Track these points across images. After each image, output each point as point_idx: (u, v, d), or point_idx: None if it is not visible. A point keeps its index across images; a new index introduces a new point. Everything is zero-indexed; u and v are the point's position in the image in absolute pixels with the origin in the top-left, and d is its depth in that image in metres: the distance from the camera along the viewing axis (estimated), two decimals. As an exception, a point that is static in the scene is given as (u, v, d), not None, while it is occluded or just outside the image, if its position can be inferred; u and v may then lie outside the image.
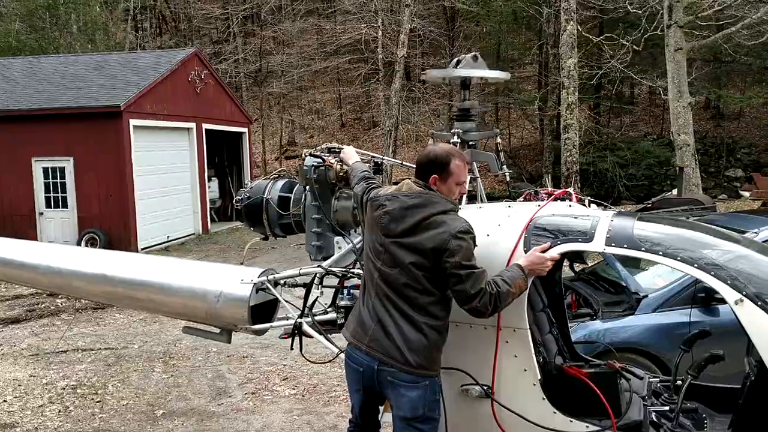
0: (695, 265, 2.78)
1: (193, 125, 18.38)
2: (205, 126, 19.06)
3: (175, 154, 17.81)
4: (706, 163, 22.95)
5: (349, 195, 3.74)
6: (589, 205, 3.62)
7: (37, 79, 17.78)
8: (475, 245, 2.89)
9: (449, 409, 3.10)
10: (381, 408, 3.30)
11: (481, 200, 4.07)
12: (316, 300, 3.75)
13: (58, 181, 15.70)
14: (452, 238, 2.82)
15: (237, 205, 4.24)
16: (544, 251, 2.95)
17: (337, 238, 3.83)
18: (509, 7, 25.87)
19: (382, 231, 3.00)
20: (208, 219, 19.28)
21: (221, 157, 21.61)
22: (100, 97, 15.90)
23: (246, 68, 32.46)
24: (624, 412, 3.03)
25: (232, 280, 3.95)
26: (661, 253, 2.85)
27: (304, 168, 3.81)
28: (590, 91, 25.20)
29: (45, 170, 15.71)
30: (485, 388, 3.06)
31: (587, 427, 2.96)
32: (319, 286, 3.70)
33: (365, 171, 3.49)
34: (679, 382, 3.18)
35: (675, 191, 15.01)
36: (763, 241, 4.90)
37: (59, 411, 6.10)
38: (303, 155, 3.89)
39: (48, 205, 15.83)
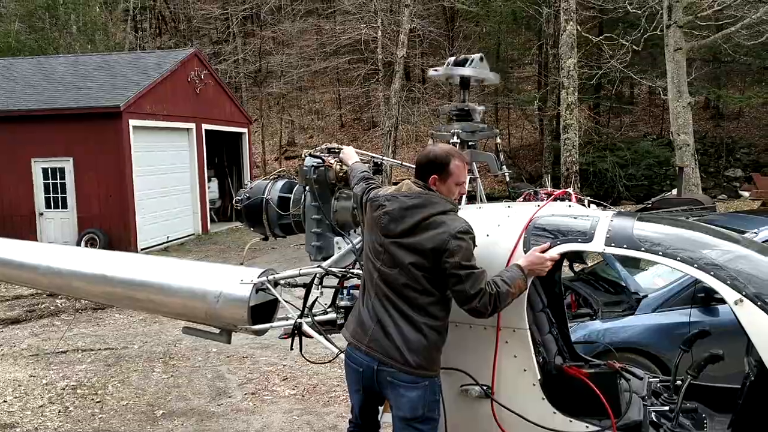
0: (695, 265, 2.78)
1: (192, 125, 18.38)
2: (205, 126, 19.06)
3: (174, 155, 17.81)
4: (705, 163, 22.96)
5: (349, 195, 3.74)
6: (589, 205, 3.62)
7: (36, 80, 17.78)
8: (474, 245, 2.89)
9: (449, 409, 3.10)
10: (381, 408, 3.30)
11: (481, 200, 4.07)
12: (315, 300, 3.75)
13: (58, 181, 15.70)
14: (452, 238, 2.82)
15: (237, 206, 4.24)
16: (543, 251, 2.95)
17: (336, 239, 3.83)
18: (509, 7, 25.87)
19: (381, 231, 3.00)
20: (208, 219, 19.29)
21: (221, 157, 21.61)
22: (100, 98, 15.90)
23: (245, 68, 32.47)
24: (624, 412, 3.03)
25: (231, 280, 3.95)
26: (660, 253, 2.85)
27: (304, 168, 3.81)
28: (590, 91, 25.21)
29: (45, 171, 15.71)
30: (485, 388, 3.06)
31: (587, 427, 2.96)
32: (319, 286, 3.70)
33: (365, 171, 3.49)
34: (678, 382, 3.18)
35: (675, 191, 15.01)
36: (763, 241, 4.91)
37: (59, 411, 6.10)
38: (303, 155, 3.89)
39: (48, 206, 15.83)
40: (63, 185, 15.68)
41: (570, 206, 3.37)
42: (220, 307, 3.92)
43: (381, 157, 4.02)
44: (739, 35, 16.40)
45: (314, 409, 5.88)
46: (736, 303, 2.66)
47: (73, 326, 9.23)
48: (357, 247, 3.67)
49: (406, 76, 26.36)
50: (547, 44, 25.22)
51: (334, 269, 3.68)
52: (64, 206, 15.74)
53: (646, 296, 5.27)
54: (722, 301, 3.03)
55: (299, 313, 3.74)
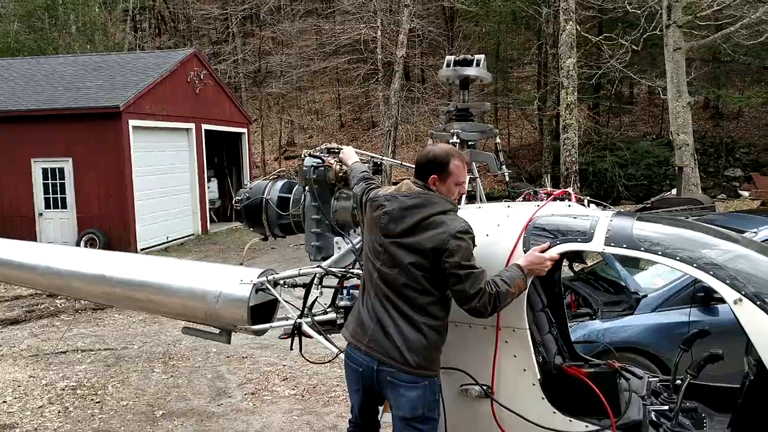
0: (694, 265, 2.78)
1: (192, 126, 18.38)
2: (205, 126, 19.06)
3: (174, 155, 17.81)
4: (705, 163, 22.97)
5: (349, 195, 3.74)
6: (588, 205, 3.62)
7: (36, 80, 17.78)
8: (474, 245, 2.89)
9: (449, 409, 3.10)
10: (380, 408, 3.30)
11: (481, 200, 4.07)
12: (315, 300, 3.75)
13: (58, 181, 15.70)
14: (451, 238, 2.82)
15: (236, 206, 4.24)
16: (543, 251, 2.96)
17: (336, 239, 3.83)
18: (508, 7, 25.88)
19: (381, 231, 3.00)
20: (208, 219, 19.29)
21: (220, 157, 21.61)
22: (100, 98, 15.90)
23: (245, 68, 32.47)
24: (623, 412, 3.03)
25: (231, 280, 3.95)
26: (660, 252, 2.85)
27: (304, 168, 3.80)
28: (589, 91, 25.22)
29: (44, 171, 15.71)
30: (485, 387, 3.06)
31: (587, 426, 2.96)
32: (319, 286, 3.70)
33: (364, 171, 3.49)
34: (678, 382, 3.18)
35: (674, 191, 15.01)
36: (762, 241, 4.91)
37: (59, 412, 6.10)
38: (302, 156, 3.89)
39: (47, 206, 15.83)
40: (63, 185, 15.68)
41: (569, 206, 3.37)
42: (220, 307, 3.92)
43: (381, 157, 4.02)
44: (739, 35, 16.41)
45: (314, 409, 5.88)
46: (735, 302, 2.66)
47: (72, 327, 9.23)
48: (357, 247, 3.67)
49: (405, 76, 26.37)
50: (546, 44, 25.23)
51: (333, 269, 3.68)
52: (64, 206, 15.74)
53: (645, 296, 5.28)
54: (722, 300, 3.03)
55: (299, 313, 3.74)
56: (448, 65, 3.86)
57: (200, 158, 18.86)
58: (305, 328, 3.67)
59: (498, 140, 4.12)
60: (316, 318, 3.68)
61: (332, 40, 28.77)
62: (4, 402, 6.37)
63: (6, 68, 19.03)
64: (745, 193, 21.89)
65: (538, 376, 3.01)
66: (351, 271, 3.63)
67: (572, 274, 6.27)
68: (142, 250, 15.45)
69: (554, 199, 3.44)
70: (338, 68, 30.81)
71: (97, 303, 8.96)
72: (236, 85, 32.38)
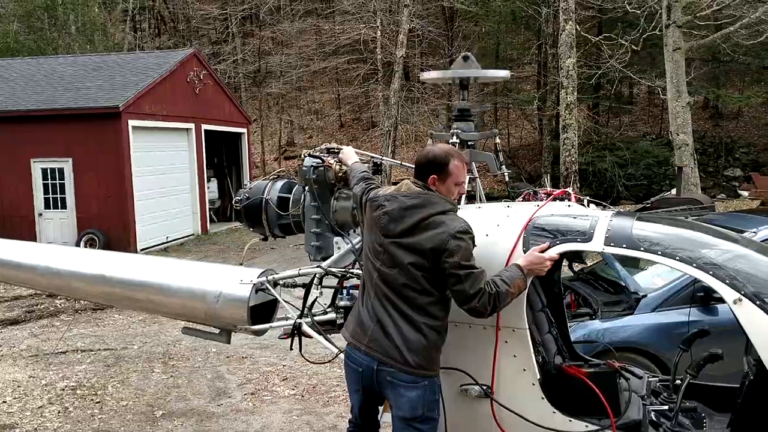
0: (694, 265, 2.78)
1: (192, 126, 18.38)
2: (204, 126, 19.06)
3: (174, 155, 17.81)
4: (704, 163, 22.98)
5: (348, 195, 3.74)
6: (588, 205, 3.63)
7: (35, 80, 17.77)
8: (474, 245, 2.90)
9: (449, 409, 3.10)
10: (380, 408, 3.30)
11: (480, 200, 4.07)
12: (315, 300, 3.75)
13: (57, 182, 15.70)
14: (451, 238, 2.82)
15: (236, 206, 4.24)
16: (543, 251, 2.96)
17: (336, 239, 3.83)
18: (508, 7, 25.88)
19: (381, 231, 3.00)
20: (207, 219, 19.29)
21: (220, 157, 21.61)
22: (99, 98, 15.90)
23: (245, 69, 32.48)
24: (623, 412, 3.03)
25: (231, 280, 3.95)
26: (659, 252, 2.85)
27: (303, 168, 3.80)
28: (589, 91, 25.22)
29: (44, 171, 15.71)
30: (484, 387, 3.06)
31: (586, 426, 2.96)
32: (319, 286, 3.70)
33: (364, 171, 3.49)
34: (678, 382, 3.18)
35: (674, 191, 15.02)
36: (762, 241, 4.91)
37: (59, 412, 6.10)
38: (302, 156, 3.88)
39: (47, 206, 15.83)
40: (62, 186, 15.68)
41: (569, 206, 3.37)
42: (220, 307, 3.92)
43: (380, 157, 4.02)
44: (738, 35, 16.41)
45: (314, 409, 5.88)
46: (735, 302, 2.66)
47: (72, 327, 9.23)
48: (356, 247, 3.67)
49: (405, 76, 26.36)
50: (546, 44, 25.23)
51: (333, 269, 3.68)
52: (64, 207, 15.74)
53: (645, 296, 5.28)
54: (721, 300, 3.03)
55: (299, 313, 3.74)
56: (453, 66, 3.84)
57: (200, 158, 18.86)
58: (305, 328, 3.67)
59: (498, 140, 4.11)
60: (315, 318, 3.68)
61: (332, 40, 28.77)
62: (4, 402, 6.37)
63: (6, 68, 19.03)
64: (745, 193, 21.90)
65: (538, 376, 3.01)
66: (351, 271, 3.63)
67: (572, 274, 6.27)
68: (141, 250, 15.45)
69: (554, 199, 3.44)
70: (338, 68, 30.82)
71: (96, 303, 8.96)
72: (236, 85, 32.38)
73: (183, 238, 17.72)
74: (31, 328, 9.32)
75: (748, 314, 2.64)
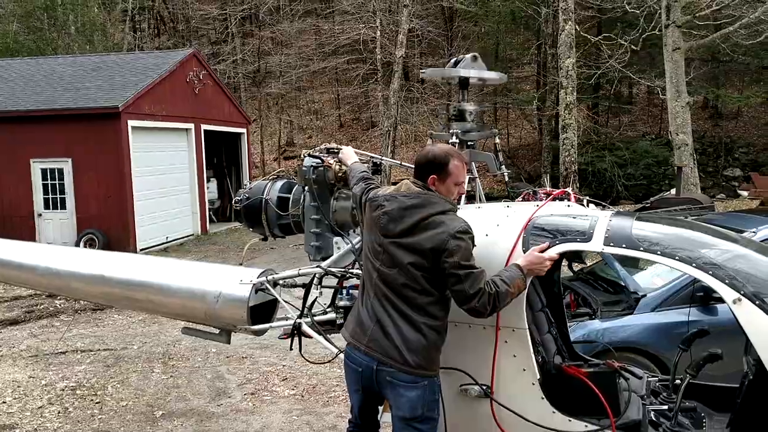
0: (693, 265, 2.78)
1: (191, 126, 18.38)
2: (204, 127, 19.06)
3: (173, 155, 17.81)
4: (704, 163, 22.99)
5: (348, 195, 3.74)
6: (588, 205, 3.63)
7: (35, 80, 17.77)
8: (473, 245, 2.90)
9: (448, 408, 3.10)
10: (380, 408, 3.30)
11: (480, 200, 4.07)
12: (315, 300, 3.75)
13: (57, 182, 15.70)
14: (451, 238, 2.83)
15: (236, 206, 4.24)
16: (542, 251, 2.96)
17: (336, 239, 3.83)
18: (507, 7, 25.89)
19: (380, 231, 3.00)
20: (207, 220, 19.28)
21: (220, 157, 21.61)
22: (99, 98, 15.90)
23: (244, 69, 32.48)
24: (623, 412, 3.03)
25: (231, 280, 3.95)
26: (659, 252, 2.85)
27: (303, 168, 3.80)
28: (588, 91, 25.23)
29: (43, 171, 15.71)
30: (484, 387, 3.06)
31: (586, 426, 2.96)
32: (318, 286, 3.71)
33: (364, 171, 3.49)
34: (677, 381, 3.19)
35: (673, 191, 15.02)
36: (761, 241, 4.91)
37: (58, 412, 6.10)
38: (302, 156, 3.89)
39: (47, 207, 15.82)
40: (62, 186, 15.68)
41: (569, 206, 3.37)
42: (220, 307, 3.93)
43: (380, 157, 4.02)
44: (738, 35, 16.41)
45: (314, 410, 5.88)
46: (734, 302, 2.67)
47: (72, 327, 9.23)
48: (356, 247, 3.67)
49: (404, 76, 26.37)
50: (545, 44, 25.25)
51: (333, 269, 3.68)
52: (63, 207, 15.73)
53: (644, 296, 5.28)
54: (721, 300, 3.03)
55: (299, 313, 3.74)
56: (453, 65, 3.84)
57: (199, 158, 18.86)
58: (305, 328, 3.67)
59: (497, 140, 4.12)
60: (315, 318, 3.68)
61: (331, 40, 28.78)
62: (4, 402, 6.37)
63: (5, 69, 19.03)
64: (744, 193, 21.91)
65: (538, 376, 3.01)
66: (350, 271, 3.63)
67: (572, 273, 6.28)
68: (141, 250, 15.44)
69: (553, 199, 3.44)
70: (337, 68, 30.84)
71: (96, 303, 8.96)
72: (235, 86, 32.38)
73: (183, 238, 17.71)
74: (30, 329, 9.32)
75: (747, 314, 2.64)
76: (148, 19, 37.52)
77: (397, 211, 2.96)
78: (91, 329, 9.18)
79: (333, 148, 3.87)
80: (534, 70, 29.33)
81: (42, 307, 10.60)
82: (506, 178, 4.25)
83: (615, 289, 5.70)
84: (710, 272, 2.74)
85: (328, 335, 3.63)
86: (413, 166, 3.12)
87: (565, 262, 4.48)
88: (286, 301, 3.89)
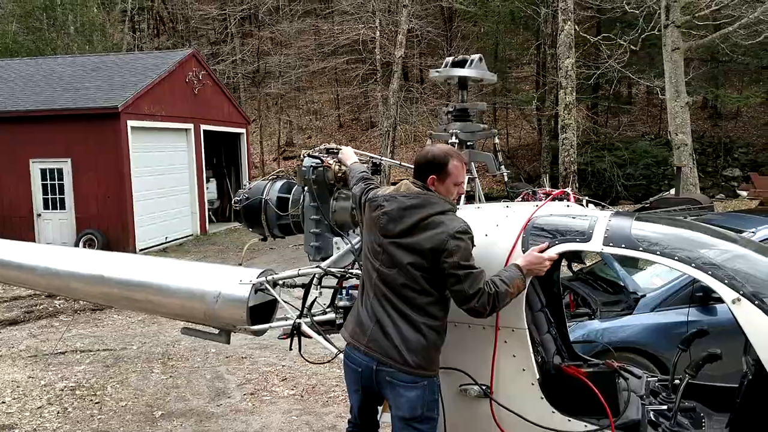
0: (693, 265, 2.78)
1: (191, 126, 18.37)
2: (203, 127, 19.06)
3: (173, 155, 17.80)
4: (703, 163, 23.00)
5: (348, 195, 3.74)
6: (587, 205, 3.63)
7: (34, 81, 17.76)
8: (473, 245, 2.90)
9: (448, 408, 3.11)
10: (380, 408, 3.30)
11: (480, 200, 4.08)
12: (314, 300, 3.75)
13: (56, 182, 15.69)
14: (450, 238, 2.83)
15: (235, 206, 4.24)
16: (542, 251, 2.96)
17: (335, 239, 3.84)
18: (507, 7, 25.90)
19: (380, 231, 3.00)
20: (207, 220, 19.28)
21: (219, 158, 21.61)
22: (98, 99, 15.89)
23: (244, 69, 32.47)
24: (622, 411, 3.03)
25: (230, 280, 3.95)
26: (658, 252, 2.86)
27: (303, 169, 3.81)
28: (588, 91, 25.23)
29: (43, 171, 15.70)
30: (484, 387, 3.06)
31: (586, 426, 2.96)
32: (318, 286, 3.71)
33: (363, 171, 3.49)
34: (677, 381, 3.19)
35: (673, 191, 15.04)
36: (761, 241, 4.92)
37: (58, 412, 6.09)
38: (301, 156, 3.89)
39: (46, 207, 15.82)
40: (61, 186, 15.67)
41: (568, 206, 3.37)
42: (219, 307, 3.93)
43: (379, 157, 4.02)
44: (737, 35, 16.42)
45: (313, 410, 5.88)
46: (733, 302, 2.67)
47: (71, 327, 9.23)
48: (356, 247, 3.67)
49: (404, 76, 26.39)
50: (545, 44, 25.25)
51: (332, 269, 3.68)
52: (63, 207, 15.73)
53: (644, 296, 5.28)
54: (720, 300, 3.03)
55: (298, 313, 3.74)
56: (446, 65, 3.86)
57: (199, 159, 18.85)
58: (304, 328, 3.67)
59: (497, 140, 4.12)
60: (315, 318, 3.68)
61: (331, 40, 28.79)
62: (3, 403, 6.37)
63: (5, 69, 19.02)
64: (744, 193, 21.92)
65: (537, 376, 3.01)
66: (350, 271, 3.63)
67: (571, 274, 6.28)
68: (140, 250, 15.44)
69: (553, 199, 3.44)
70: (337, 68, 30.83)
71: (96, 304, 8.95)
72: (235, 86, 32.38)
73: (182, 238, 17.71)
74: (30, 329, 9.32)
75: (746, 314, 2.64)
76: (148, 20, 37.51)
77: (397, 211, 2.96)
78: (90, 329, 9.18)
79: (332, 149, 3.87)
80: (533, 70, 29.34)
81: (41, 307, 10.60)
82: (505, 179, 4.26)
83: (614, 289, 5.71)
84: (709, 272, 2.74)
85: (327, 335, 3.63)
86: (413, 166, 3.12)
87: (564, 263, 4.48)
88: (285, 302, 3.89)
